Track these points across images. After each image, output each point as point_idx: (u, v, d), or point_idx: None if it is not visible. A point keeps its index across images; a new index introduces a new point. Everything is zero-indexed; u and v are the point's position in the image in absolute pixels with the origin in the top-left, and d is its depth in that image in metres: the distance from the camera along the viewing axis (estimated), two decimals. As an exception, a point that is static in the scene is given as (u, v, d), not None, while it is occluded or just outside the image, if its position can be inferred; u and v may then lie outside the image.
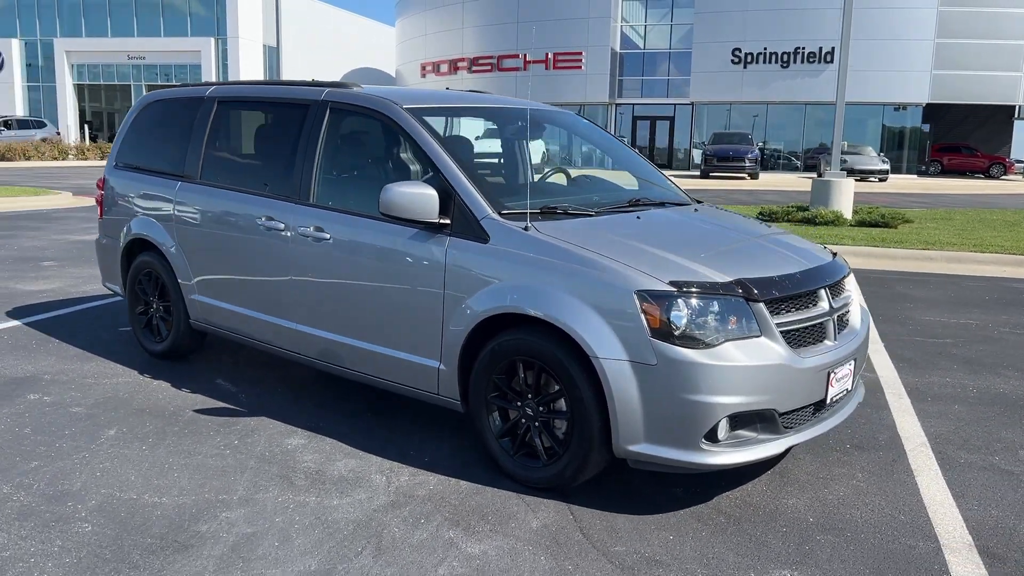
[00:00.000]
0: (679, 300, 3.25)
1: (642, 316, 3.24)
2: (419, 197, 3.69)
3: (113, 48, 45.90)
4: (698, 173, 31.78)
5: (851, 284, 4.08)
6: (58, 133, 39.56)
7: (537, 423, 3.58)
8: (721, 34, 36.18)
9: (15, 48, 47.33)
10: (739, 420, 3.32)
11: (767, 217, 12.97)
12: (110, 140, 42.33)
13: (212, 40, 44.62)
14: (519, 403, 3.62)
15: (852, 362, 3.73)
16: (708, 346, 3.23)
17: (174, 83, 46.11)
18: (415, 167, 4.14)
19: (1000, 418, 4.68)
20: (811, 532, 3.31)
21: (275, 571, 2.93)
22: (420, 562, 3.01)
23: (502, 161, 4.92)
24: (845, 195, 13.01)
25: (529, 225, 3.63)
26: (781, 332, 3.41)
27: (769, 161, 37.30)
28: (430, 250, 3.81)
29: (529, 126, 4.86)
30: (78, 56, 46.73)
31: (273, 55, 46.35)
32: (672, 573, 2.98)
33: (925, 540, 3.27)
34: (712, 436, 3.26)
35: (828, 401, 3.59)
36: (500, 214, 3.72)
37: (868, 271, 9.64)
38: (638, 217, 4.06)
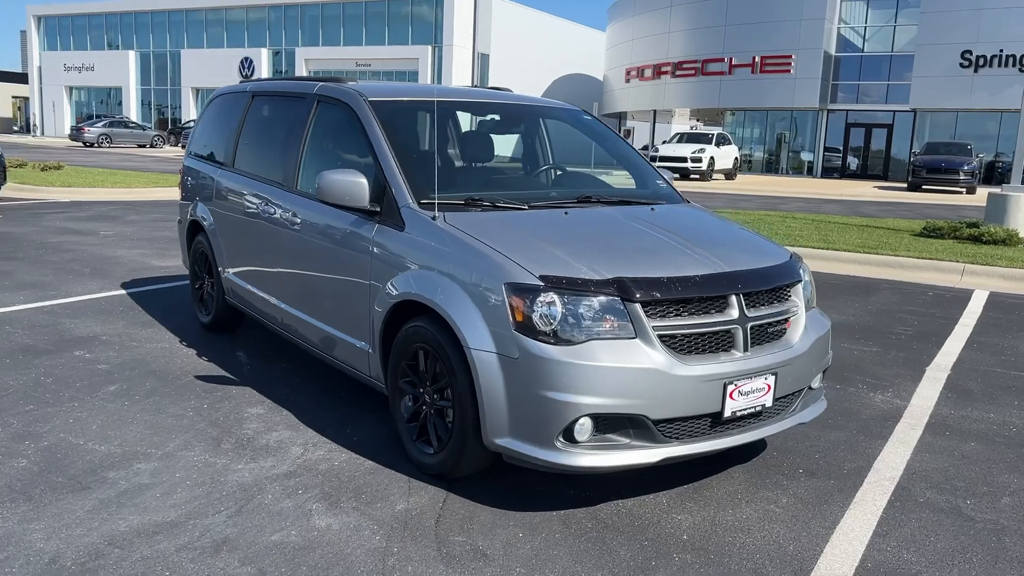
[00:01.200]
0: (543, 295, 3.18)
1: (508, 308, 3.21)
2: (349, 184, 3.85)
3: (344, 56, 49.78)
4: (905, 185, 29.34)
5: (797, 294, 3.74)
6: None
7: (432, 411, 3.63)
8: (949, 35, 33.11)
9: (264, 56, 52.62)
10: (607, 423, 3.18)
11: (931, 233, 11.80)
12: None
13: (429, 48, 47.18)
14: (421, 390, 3.69)
15: (771, 376, 3.44)
16: (569, 343, 3.13)
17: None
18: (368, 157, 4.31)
19: (1016, 461, 4.08)
20: (671, 550, 3.11)
21: (135, 518, 3.21)
22: (263, 526, 3.17)
23: (463, 153, 4.95)
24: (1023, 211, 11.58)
25: (437, 215, 3.69)
26: (663, 336, 3.23)
27: (1001, 175, 33.61)
28: (362, 236, 3.97)
29: (509, 120, 4.89)
30: (315, 63, 51.13)
31: (483, 62, 48.33)
32: (492, 568, 2.94)
33: (788, 574, 2.98)
34: (569, 436, 3.16)
35: (728, 415, 3.34)
36: (419, 203, 3.79)
37: (1016, 296, 8.58)
38: (566, 213, 3.97)
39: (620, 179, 4.87)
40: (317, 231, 4.31)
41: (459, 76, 46.85)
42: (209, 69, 53.74)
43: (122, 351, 5.41)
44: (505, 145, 5.13)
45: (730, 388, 3.31)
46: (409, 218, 3.75)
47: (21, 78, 68.08)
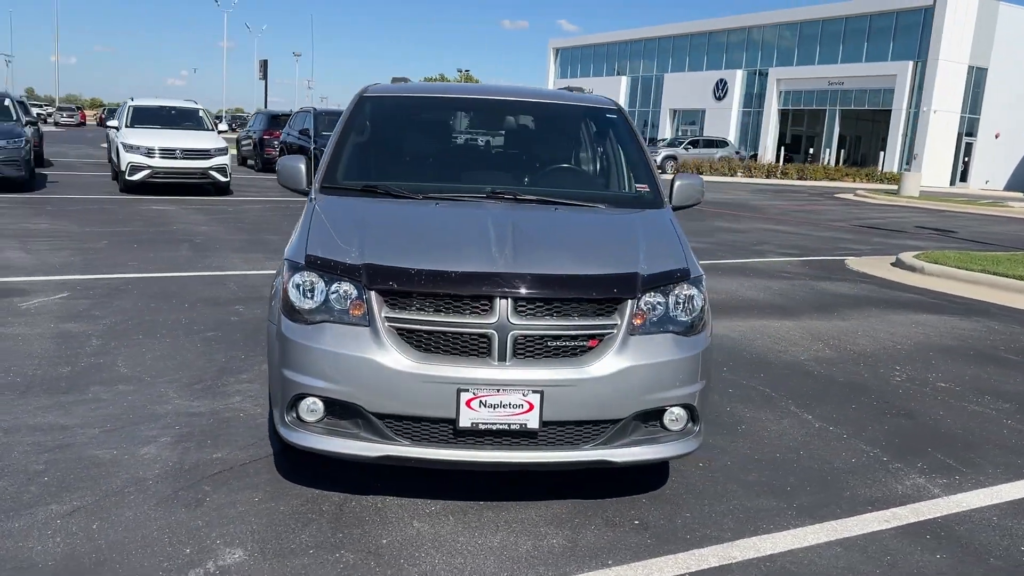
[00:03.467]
0: (299, 274, 3.41)
1: (281, 285, 3.54)
2: (289, 169, 4.32)
3: (816, 75, 48.09)
4: None
5: (622, 312, 3.36)
6: (737, 153, 43.60)
7: None
8: None
9: (738, 78, 53.36)
10: (339, 409, 3.34)
11: None
12: (805, 162, 44.82)
13: (910, 64, 43.20)
14: None
15: (536, 394, 3.21)
16: (307, 323, 3.36)
17: (864, 107, 46.29)
18: None
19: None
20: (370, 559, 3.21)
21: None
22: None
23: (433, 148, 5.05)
24: None
25: (313, 197, 4.13)
26: (400, 328, 3.27)
27: None
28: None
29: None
30: (786, 83, 50.30)
31: (979, 77, 42.77)
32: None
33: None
34: (299, 415, 3.38)
35: (468, 426, 3.23)
36: (321, 187, 4.22)
37: None
38: (436, 204, 4.02)
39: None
40: None
41: (944, 93, 42.12)
42: (686, 91, 56.26)
43: (239, 315, 6.71)
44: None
45: (466, 396, 3.21)
46: (310, 200, 4.19)
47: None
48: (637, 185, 4.63)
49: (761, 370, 5.88)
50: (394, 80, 5.47)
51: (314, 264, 3.44)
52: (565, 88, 5.53)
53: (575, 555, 3.20)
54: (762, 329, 7.18)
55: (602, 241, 3.86)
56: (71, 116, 61.84)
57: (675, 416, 3.48)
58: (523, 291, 3.28)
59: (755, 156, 47.01)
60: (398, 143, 4.92)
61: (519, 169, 4.84)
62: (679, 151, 40.51)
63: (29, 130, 16.18)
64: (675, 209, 4.54)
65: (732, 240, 14.13)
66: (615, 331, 3.36)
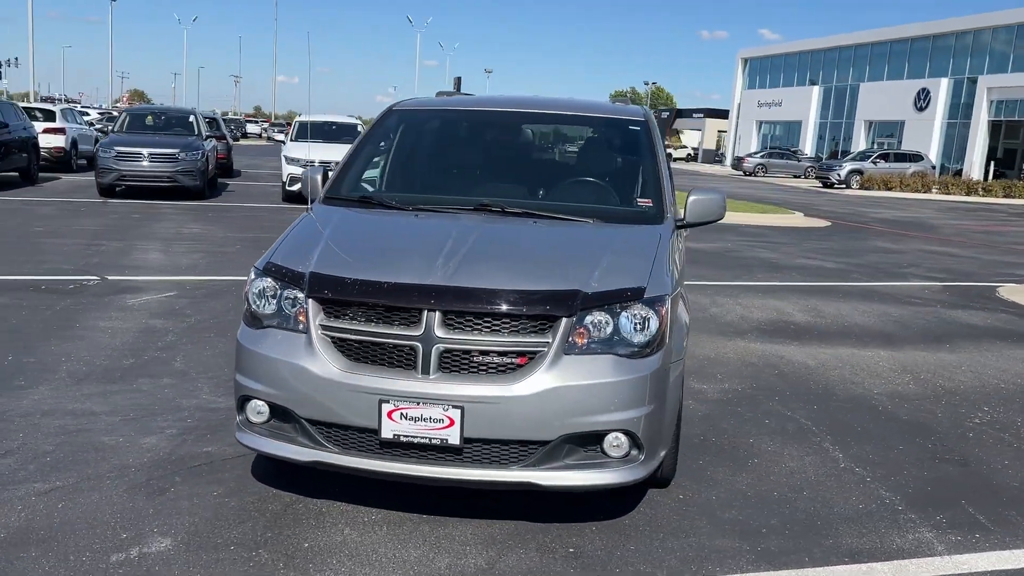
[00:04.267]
0: (256, 280, 3.58)
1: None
2: (309, 182, 4.52)
3: (1035, 83, 43.59)
4: None
5: (555, 330, 3.25)
6: (933, 167, 40.28)
7: None
8: None
9: (943, 87, 49.34)
10: (281, 412, 3.46)
11: None
12: (1018, 178, 40.78)
13: None
14: None
15: (456, 410, 3.17)
16: (256, 327, 3.52)
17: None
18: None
19: None
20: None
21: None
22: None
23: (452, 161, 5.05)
24: None
25: (309, 207, 4.30)
26: (334, 337, 3.34)
27: None
28: None
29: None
30: (998, 92, 45.89)
31: None
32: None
33: None
34: (245, 415, 3.53)
35: (390, 437, 3.24)
36: (324, 197, 4.40)
37: None
38: (416, 216, 4.08)
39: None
40: None
41: None
42: (883, 102, 52.71)
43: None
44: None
45: (387, 407, 3.23)
46: (308, 210, 4.33)
47: (726, 114, 76.62)
48: (641, 200, 4.45)
49: (817, 402, 5.44)
50: (438, 94, 5.58)
51: (270, 271, 3.59)
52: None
53: (484, 577, 3.12)
54: (848, 358, 6.63)
55: (560, 257, 3.74)
56: (281, 131, 67.34)
57: (617, 442, 3.31)
58: (449, 305, 3.26)
59: (960, 172, 43.25)
60: (411, 155, 5.03)
61: (526, 182, 4.79)
62: (865, 165, 38.04)
63: (210, 144, 17.81)
64: (690, 226, 4.35)
65: (877, 261, 13.13)
66: (546, 349, 3.25)
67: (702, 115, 79.60)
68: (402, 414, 3.23)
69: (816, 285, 10.37)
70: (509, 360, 3.26)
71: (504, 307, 3.26)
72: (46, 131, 20.14)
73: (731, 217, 17.57)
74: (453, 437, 3.23)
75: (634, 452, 3.36)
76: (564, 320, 3.26)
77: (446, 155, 5.07)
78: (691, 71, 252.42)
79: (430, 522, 3.52)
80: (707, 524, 3.63)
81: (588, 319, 3.31)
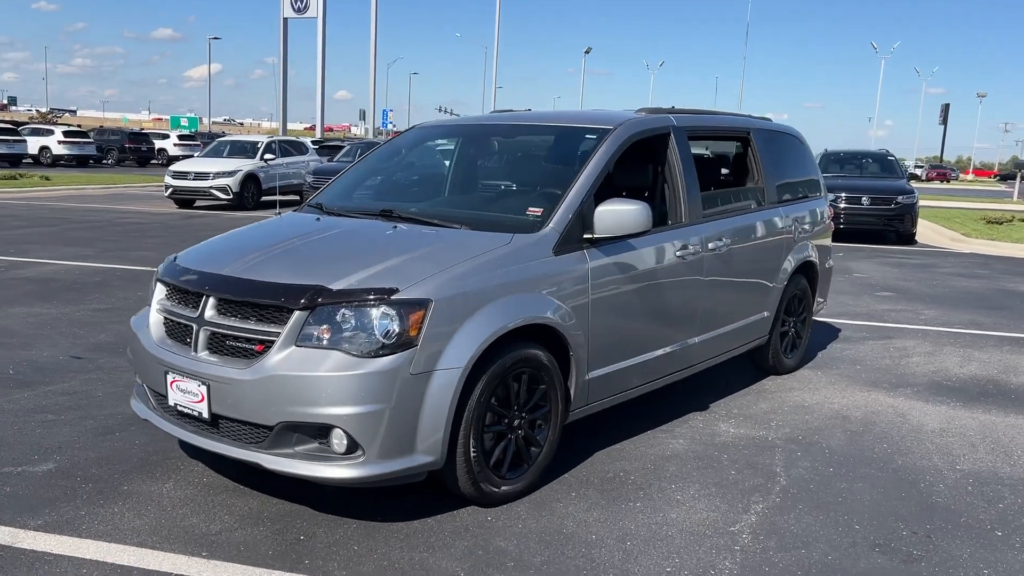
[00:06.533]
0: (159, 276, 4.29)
1: None
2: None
3: None
4: None
5: (292, 323, 3.49)
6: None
7: None
8: None
9: None
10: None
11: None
12: None
13: None
14: None
15: (204, 386, 3.58)
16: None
17: None
18: None
19: None
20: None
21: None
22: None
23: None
24: None
25: (279, 212, 4.97)
26: (163, 315, 4.00)
27: None
28: None
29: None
30: None
31: None
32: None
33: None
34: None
35: (172, 404, 3.78)
36: (307, 204, 5.04)
37: None
38: (317, 219, 4.57)
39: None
40: None
41: None
42: None
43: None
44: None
45: (170, 378, 3.75)
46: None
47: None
48: (531, 208, 4.30)
49: (812, 459, 4.59)
50: (498, 111, 6.05)
51: (167, 263, 4.31)
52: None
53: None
54: (904, 409, 5.52)
55: (349, 257, 3.92)
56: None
57: (338, 438, 3.42)
58: (218, 292, 3.73)
59: None
60: (390, 168, 5.44)
61: (455, 191, 5.00)
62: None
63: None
64: (603, 241, 4.24)
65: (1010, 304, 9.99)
66: (277, 339, 3.49)
67: None
68: (177, 385, 3.74)
69: None
70: (250, 346, 3.58)
71: (251, 297, 3.62)
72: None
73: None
74: (204, 411, 3.64)
75: (355, 450, 3.42)
76: (296, 313, 3.47)
77: (402, 167, 5.46)
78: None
79: (237, 492, 3.92)
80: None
81: (333, 314, 3.46)
